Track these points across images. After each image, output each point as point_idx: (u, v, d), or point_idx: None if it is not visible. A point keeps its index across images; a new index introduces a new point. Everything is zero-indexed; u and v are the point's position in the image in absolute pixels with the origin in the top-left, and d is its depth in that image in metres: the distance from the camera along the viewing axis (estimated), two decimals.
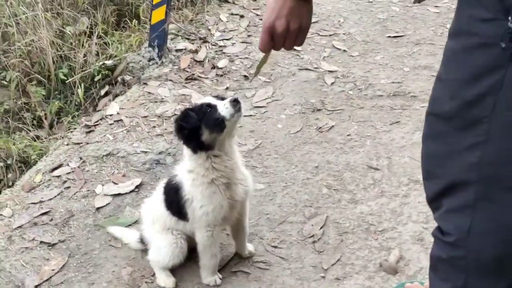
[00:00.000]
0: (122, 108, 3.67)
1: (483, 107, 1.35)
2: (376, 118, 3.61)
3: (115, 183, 3.05)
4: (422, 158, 1.63)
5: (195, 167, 2.20)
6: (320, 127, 3.53)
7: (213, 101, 2.16)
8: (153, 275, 2.52)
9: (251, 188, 2.38)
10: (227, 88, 3.95)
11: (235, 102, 2.09)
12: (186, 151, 2.24)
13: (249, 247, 2.59)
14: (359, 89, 3.95)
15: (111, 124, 3.54)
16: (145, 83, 3.92)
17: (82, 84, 4.03)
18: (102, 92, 4.02)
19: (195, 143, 2.15)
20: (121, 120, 3.55)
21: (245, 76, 4.10)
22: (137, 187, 3.03)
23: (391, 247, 2.64)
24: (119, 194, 2.99)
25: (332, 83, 4.01)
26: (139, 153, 3.26)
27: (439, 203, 1.56)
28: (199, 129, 2.11)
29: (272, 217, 2.84)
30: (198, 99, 3.70)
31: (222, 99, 2.19)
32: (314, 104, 3.78)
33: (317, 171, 3.15)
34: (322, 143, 3.39)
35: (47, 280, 2.51)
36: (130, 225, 2.80)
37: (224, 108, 2.10)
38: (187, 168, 2.25)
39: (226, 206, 2.25)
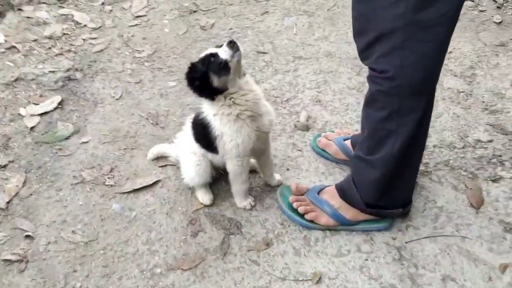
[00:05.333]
0: (7, 36, 3.69)
1: None
2: (247, 11, 4.09)
3: (36, 104, 3.21)
4: (353, 19, 2.16)
5: (218, 110, 2.34)
6: (203, 26, 3.93)
7: (214, 50, 2.27)
8: (111, 171, 2.85)
9: (273, 117, 2.51)
10: (103, 3, 4.13)
11: (231, 43, 2.21)
12: (205, 101, 2.37)
13: (277, 176, 2.79)
14: None
15: (3, 52, 3.58)
16: (19, 9, 3.94)
17: None
18: None
19: (209, 90, 2.29)
20: (13, 46, 3.60)
21: None
22: (59, 103, 3.22)
23: (298, 111, 3.22)
24: (45, 113, 3.16)
25: None
26: (47, 74, 3.41)
27: (370, 52, 2.11)
28: (207, 77, 2.26)
29: (194, 107, 3.25)
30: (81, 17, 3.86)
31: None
32: (188, 7, 4.14)
33: None
34: (210, 39, 3.80)
35: (15, 195, 2.71)
36: (69, 137, 3.03)
37: (223, 52, 2.22)
38: (212, 112, 2.37)
39: (254, 137, 2.40)
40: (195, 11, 4.09)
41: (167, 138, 3.03)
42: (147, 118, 3.17)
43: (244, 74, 2.37)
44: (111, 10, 4.07)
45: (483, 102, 3.23)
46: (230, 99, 2.32)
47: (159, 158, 2.92)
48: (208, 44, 3.73)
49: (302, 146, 3.00)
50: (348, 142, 2.87)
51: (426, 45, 1.99)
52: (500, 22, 3.92)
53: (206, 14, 4.06)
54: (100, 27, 3.88)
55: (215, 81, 2.27)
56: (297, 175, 2.83)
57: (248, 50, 3.67)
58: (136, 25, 3.92)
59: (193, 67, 2.31)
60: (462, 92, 3.30)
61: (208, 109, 2.40)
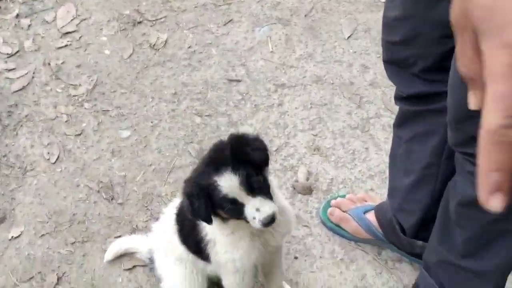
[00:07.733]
0: None
1: None
2: (205, 20, 3.27)
3: None
4: (451, 106, 1.45)
5: None
6: (153, 45, 3.09)
7: (238, 195, 1.43)
8: (58, 282, 2.06)
9: (292, 228, 1.80)
10: (17, 15, 3.18)
11: (271, 223, 1.47)
12: None
13: (286, 286, 2.10)
14: None
15: None
16: None
17: None
18: None
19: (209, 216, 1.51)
20: None
21: None
22: None
23: (294, 165, 2.52)
24: None
25: None
26: None
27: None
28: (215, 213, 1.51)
29: (158, 167, 2.48)
30: None
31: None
32: (130, 15, 3.26)
33: (178, 98, 2.79)
34: (165, 62, 2.98)
35: None
36: None
37: (256, 221, 1.45)
38: None
39: (257, 253, 1.69)
40: (139, 22, 3.22)
41: (129, 220, 2.28)
42: (98, 191, 2.37)
43: None
44: (29, 25, 3.13)
45: None
46: None
47: (122, 255, 2.15)
48: (163, 70, 2.92)
49: (308, 219, 2.33)
50: (370, 217, 2.23)
51: None
52: None
53: (154, 25, 3.21)
54: (18, 51, 2.96)
55: (222, 215, 1.52)
56: (310, 266, 2.17)
57: (217, 78, 2.89)
58: (66, 45, 3.02)
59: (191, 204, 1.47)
60: None
61: None
